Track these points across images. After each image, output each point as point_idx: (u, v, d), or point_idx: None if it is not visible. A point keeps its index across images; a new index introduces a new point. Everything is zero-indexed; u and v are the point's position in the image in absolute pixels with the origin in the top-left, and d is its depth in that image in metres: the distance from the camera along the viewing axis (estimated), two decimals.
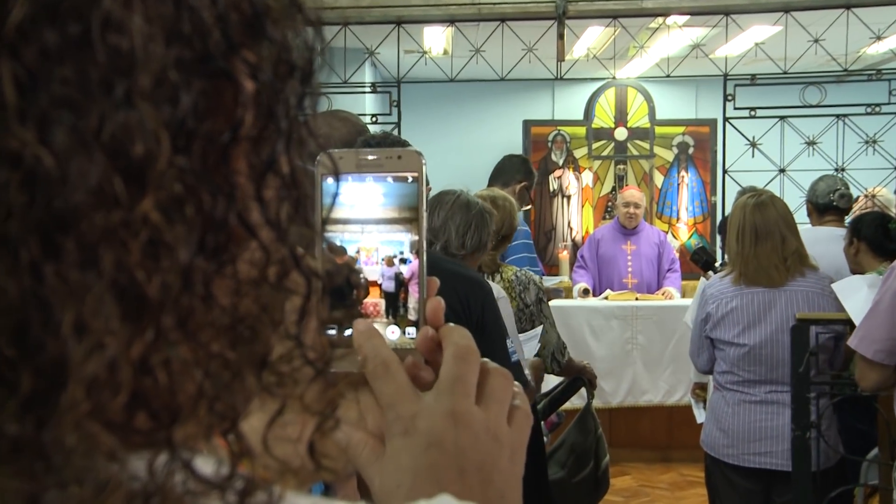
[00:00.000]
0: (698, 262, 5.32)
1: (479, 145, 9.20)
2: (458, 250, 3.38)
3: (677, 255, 8.05)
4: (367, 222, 0.78)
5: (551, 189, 9.48)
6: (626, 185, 8.92)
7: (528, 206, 5.89)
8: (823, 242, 5.13)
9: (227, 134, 0.52)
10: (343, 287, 0.75)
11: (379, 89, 8.00)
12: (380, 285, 0.80)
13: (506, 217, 4.08)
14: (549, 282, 6.18)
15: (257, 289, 0.55)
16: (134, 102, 0.47)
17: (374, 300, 0.80)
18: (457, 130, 10.11)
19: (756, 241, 4.13)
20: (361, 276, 0.79)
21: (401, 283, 0.79)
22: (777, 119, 7.54)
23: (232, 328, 0.53)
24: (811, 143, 7.56)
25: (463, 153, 9.34)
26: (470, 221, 3.39)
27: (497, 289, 3.51)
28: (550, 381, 4.66)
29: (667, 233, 8.73)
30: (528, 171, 5.84)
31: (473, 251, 3.42)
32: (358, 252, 0.79)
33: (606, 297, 7.27)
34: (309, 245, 0.60)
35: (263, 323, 0.56)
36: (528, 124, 9.46)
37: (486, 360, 0.76)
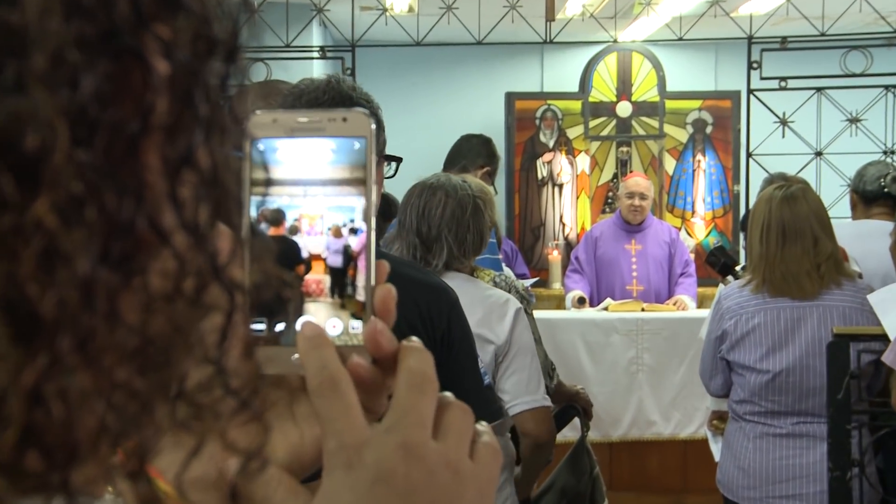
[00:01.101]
0: (715, 264, 5.33)
1: (453, 123, 9.17)
2: (461, 262, 3.51)
3: (692, 256, 8.08)
4: (310, 184, 0.80)
5: (539, 176, 9.50)
6: (631, 172, 8.95)
7: None
8: (870, 238, 5.13)
9: (137, 123, 0.54)
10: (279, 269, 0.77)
11: (329, 54, 7.99)
12: (324, 259, 0.81)
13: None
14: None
15: (171, 305, 0.56)
16: (26, 87, 0.48)
17: (317, 277, 0.81)
18: (425, 105, 10.11)
19: (783, 241, 4.14)
20: (303, 248, 0.81)
21: (350, 257, 0.81)
22: (813, 91, 7.59)
23: (140, 352, 0.54)
24: (854, 121, 7.62)
25: (432, 133, 9.33)
26: (467, 223, 3.47)
27: (513, 301, 3.57)
28: None
29: (679, 229, 8.76)
30: (490, 153, 5.88)
31: (476, 251, 3.56)
32: (299, 220, 0.81)
33: (606, 308, 7.28)
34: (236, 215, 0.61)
35: (177, 345, 0.57)
36: (511, 97, 9.47)
37: (445, 394, 0.78)
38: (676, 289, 7.61)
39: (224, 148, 0.60)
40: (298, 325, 0.78)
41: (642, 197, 7.70)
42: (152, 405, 0.56)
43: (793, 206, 4.18)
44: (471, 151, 5.88)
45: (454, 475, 0.74)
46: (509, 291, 3.93)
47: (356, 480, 0.72)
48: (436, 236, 3.47)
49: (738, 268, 5.25)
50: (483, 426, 0.80)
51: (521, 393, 3.52)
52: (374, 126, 0.81)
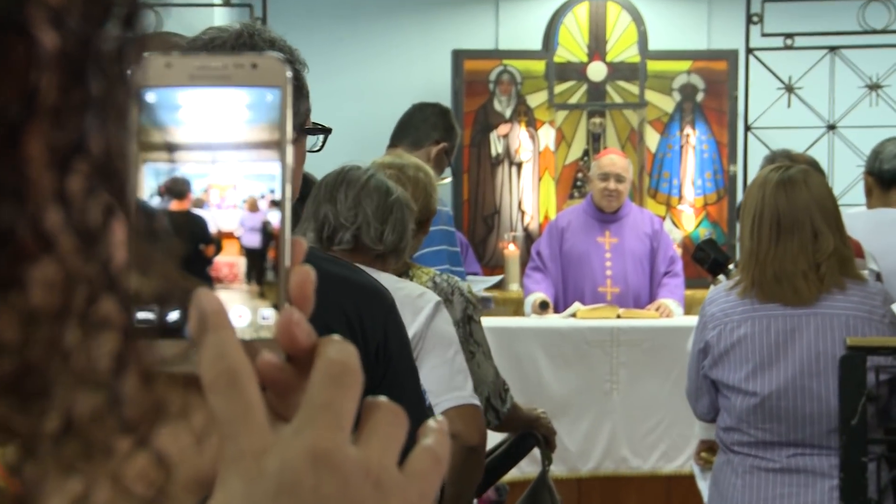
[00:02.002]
0: (704, 261, 5.35)
1: (388, 88, 9.19)
2: (374, 244, 3.49)
3: (679, 251, 8.13)
4: (219, 147, 0.80)
5: (493, 153, 9.51)
6: (605, 148, 8.98)
7: (448, 178, 5.91)
8: (889, 230, 5.20)
9: (19, 108, 0.55)
10: (176, 244, 0.76)
11: (234, 1, 7.97)
12: (238, 238, 0.81)
13: (420, 195, 4.12)
14: (477, 286, 6.19)
15: (55, 323, 0.57)
16: None
17: (229, 259, 0.80)
18: (354, 66, 10.08)
19: (778, 235, 4.15)
20: (212, 224, 0.81)
21: (270, 235, 0.80)
22: (824, 51, 7.66)
23: (19, 380, 0.55)
24: (874, 87, 7.69)
25: (363, 99, 9.33)
26: (389, 208, 3.49)
27: (430, 294, 3.59)
28: (488, 440, 4.70)
29: (664, 219, 8.82)
30: (447, 125, 5.89)
31: (391, 251, 3.55)
32: (207, 191, 0.80)
33: (574, 314, 7.32)
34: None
35: (63, 370, 0.57)
36: (459, 56, 9.47)
37: (379, 397, 0.78)
38: (659, 291, 7.64)
39: (120, 130, 0.61)
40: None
41: (619, 179, 7.71)
42: (34, 444, 0.56)
43: (790, 192, 4.18)
44: (424, 123, 5.86)
45: (375, 488, 0.74)
46: (452, 294, 3.94)
47: (255, 492, 0.71)
48: (353, 204, 3.49)
49: (731, 266, 5.26)
50: (435, 423, 0.80)
51: (444, 389, 3.54)
52: (289, 74, 0.81)
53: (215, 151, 0.80)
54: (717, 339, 4.28)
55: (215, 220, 0.81)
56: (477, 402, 3.66)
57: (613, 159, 7.83)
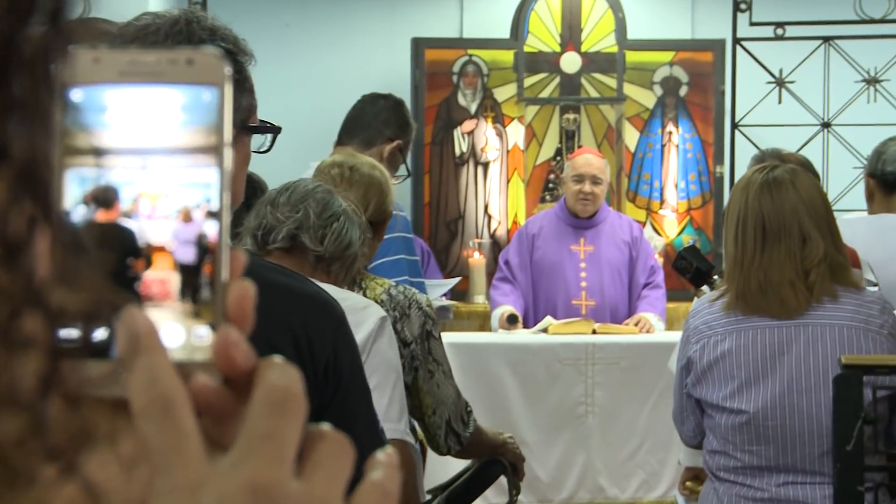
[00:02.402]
0: (685, 270, 5.34)
1: (341, 79, 9.17)
2: (314, 244, 3.50)
3: (661, 260, 8.15)
4: (150, 152, 0.79)
5: (457, 152, 9.51)
6: (580, 147, 9.00)
7: (402, 178, 5.87)
8: (892, 237, 5.23)
9: None
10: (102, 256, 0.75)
11: None
12: (171, 253, 0.80)
13: (374, 195, 4.13)
14: (435, 291, 6.16)
15: None
16: None
17: (161, 274, 0.79)
18: (302, 55, 10.07)
19: (763, 242, 4.14)
20: (142, 237, 0.79)
21: (205, 249, 0.80)
22: (819, 42, 7.70)
23: None
24: (872, 82, 7.74)
25: (313, 92, 9.31)
26: (336, 216, 3.51)
27: (376, 308, 3.59)
28: (450, 467, 4.69)
29: (644, 225, 8.83)
30: (402, 122, 5.86)
31: (335, 258, 3.55)
32: (137, 200, 0.79)
33: (545, 329, 7.32)
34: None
35: None
36: (419, 45, 9.46)
37: (321, 424, 0.78)
38: (639, 304, 7.66)
39: (44, 133, 0.62)
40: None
41: (595, 181, 7.73)
42: None
43: (776, 194, 4.16)
44: (376, 119, 5.81)
45: None
46: (409, 308, 3.94)
47: None
48: (299, 200, 3.51)
49: (716, 276, 5.24)
50: (384, 455, 0.79)
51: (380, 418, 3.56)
52: (229, 71, 0.80)
53: (146, 156, 0.78)
54: (699, 355, 4.26)
55: (145, 233, 0.79)
56: (410, 439, 3.71)
57: (589, 159, 7.84)
